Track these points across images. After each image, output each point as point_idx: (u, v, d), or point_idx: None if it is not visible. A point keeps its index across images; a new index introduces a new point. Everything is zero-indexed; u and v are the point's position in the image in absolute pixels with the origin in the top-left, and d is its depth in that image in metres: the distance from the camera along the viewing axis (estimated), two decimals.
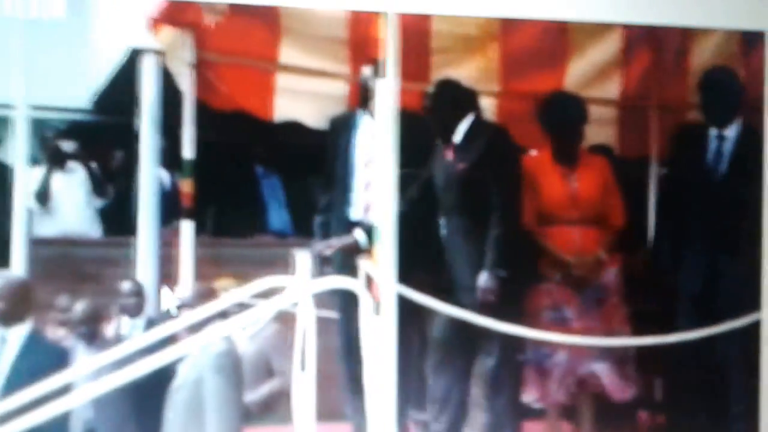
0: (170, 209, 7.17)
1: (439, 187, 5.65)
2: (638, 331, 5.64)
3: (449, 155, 5.60)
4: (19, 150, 6.78)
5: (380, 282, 4.81)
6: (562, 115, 5.91)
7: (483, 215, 5.44)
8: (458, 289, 5.46)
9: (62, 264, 7.25)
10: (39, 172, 7.60)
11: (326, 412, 5.33)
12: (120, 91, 7.69)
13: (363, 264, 5.04)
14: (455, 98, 5.70)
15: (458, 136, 5.61)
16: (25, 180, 6.85)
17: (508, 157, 5.69)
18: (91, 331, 5.78)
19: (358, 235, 5.47)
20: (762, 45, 5.26)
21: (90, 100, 8.85)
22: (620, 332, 5.65)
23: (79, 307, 5.81)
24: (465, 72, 6.46)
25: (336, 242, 5.54)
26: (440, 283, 5.40)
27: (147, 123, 7.16)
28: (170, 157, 7.52)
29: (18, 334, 5.32)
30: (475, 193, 5.48)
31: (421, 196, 5.61)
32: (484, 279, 5.38)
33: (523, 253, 5.59)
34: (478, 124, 5.68)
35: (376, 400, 4.66)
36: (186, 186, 6.65)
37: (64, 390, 4.84)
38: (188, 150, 6.63)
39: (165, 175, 7.87)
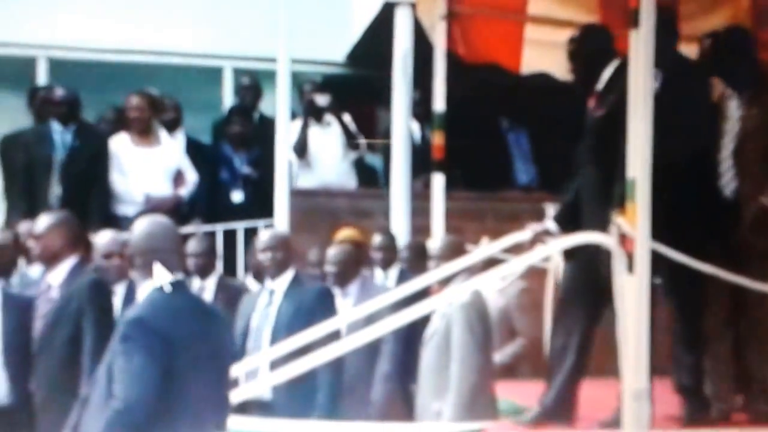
0: (421, 162, 7.26)
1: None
2: None
3: (592, 104, 5.28)
4: (280, 103, 6.95)
5: (634, 238, 4.70)
6: None
7: (612, 165, 5.06)
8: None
9: (320, 215, 7.45)
10: (297, 125, 7.75)
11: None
12: (374, 45, 7.80)
13: (616, 220, 4.93)
14: (599, 43, 5.31)
15: (601, 83, 5.23)
16: (287, 132, 7.03)
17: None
18: (343, 274, 5.87)
19: (549, 224, 5.34)
20: None
21: (345, 54, 9.01)
22: None
23: (333, 250, 5.93)
24: (715, 22, 6.26)
25: (536, 227, 5.40)
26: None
27: (399, 76, 7.28)
28: (422, 109, 7.61)
29: (283, 282, 5.51)
30: (608, 142, 4.91)
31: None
32: None
33: None
34: (623, 70, 4.88)
35: (629, 357, 4.58)
36: (437, 138, 6.68)
37: (334, 336, 5.00)
38: (439, 102, 6.65)
39: (416, 128, 7.97)
